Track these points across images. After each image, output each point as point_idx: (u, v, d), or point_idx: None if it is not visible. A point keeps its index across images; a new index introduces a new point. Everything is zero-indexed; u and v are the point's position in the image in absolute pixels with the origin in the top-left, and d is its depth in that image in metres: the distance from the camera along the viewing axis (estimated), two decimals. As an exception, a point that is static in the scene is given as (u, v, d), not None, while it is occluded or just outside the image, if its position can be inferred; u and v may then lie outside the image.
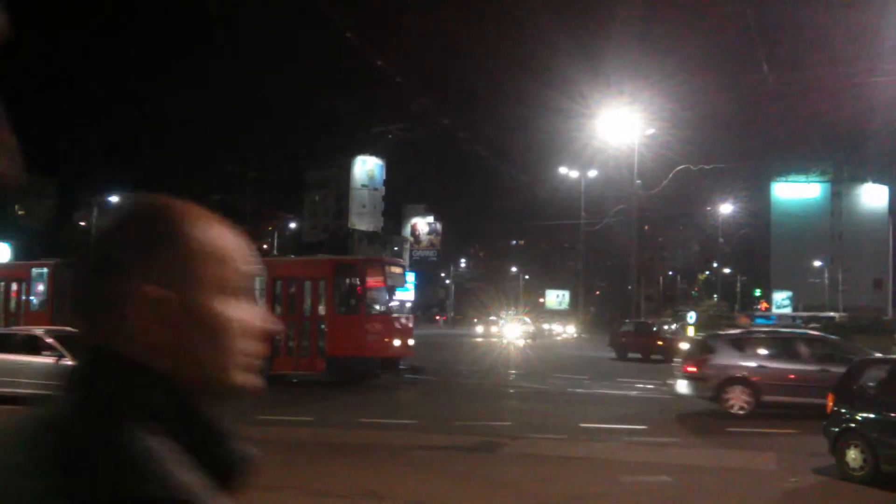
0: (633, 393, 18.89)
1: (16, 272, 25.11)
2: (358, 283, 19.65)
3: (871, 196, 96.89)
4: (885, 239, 76.55)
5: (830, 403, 9.99)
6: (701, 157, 34.29)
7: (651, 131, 30.73)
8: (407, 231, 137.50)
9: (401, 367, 20.28)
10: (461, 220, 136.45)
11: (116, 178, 63.64)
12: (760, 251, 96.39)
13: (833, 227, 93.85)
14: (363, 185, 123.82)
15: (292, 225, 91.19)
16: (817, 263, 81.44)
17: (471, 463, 10.74)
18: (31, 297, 23.52)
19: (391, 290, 20.13)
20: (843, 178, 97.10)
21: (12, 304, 23.91)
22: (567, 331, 60.02)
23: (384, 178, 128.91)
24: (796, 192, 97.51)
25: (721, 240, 52.95)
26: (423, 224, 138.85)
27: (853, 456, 9.26)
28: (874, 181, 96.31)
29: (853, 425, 9.43)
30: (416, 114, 51.41)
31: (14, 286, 24.02)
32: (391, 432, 13.01)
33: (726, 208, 60.23)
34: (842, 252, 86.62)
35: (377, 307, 19.69)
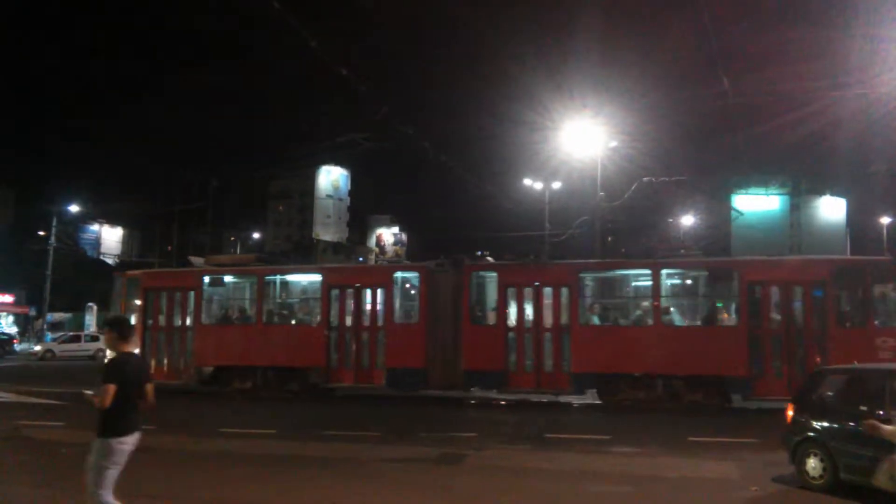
0: (598, 402, 18.91)
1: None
2: None
3: (828, 208, 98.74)
4: (843, 250, 77.87)
5: (790, 413, 10.09)
6: (663, 170, 34.52)
7: (614, 144, 30.96)
8: (372, 242, 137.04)
9: None
10: (426, 231, 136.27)
11: (76, 189, 62.71)
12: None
13: (792, 239, 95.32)
14: (328, 196, 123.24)
15: (256, 235, 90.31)
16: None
17: (435, 475, 10.67)
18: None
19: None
20: (801, 191, 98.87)
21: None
22: None
23: (349, 188, 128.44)
24: (756, 204, 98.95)
25: (682, 251, 53.32)
26: (388, 234, 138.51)
27: (813, 465, 9.35)
28: (832, 194, 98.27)
29: (813, 434, 9.52)
30: (380, 124, 51.33)
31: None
32: (354, 445, 12.89)
33: (688, 220, 60.93)
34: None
35: None
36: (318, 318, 20.11)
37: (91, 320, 58.41)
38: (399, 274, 20.45)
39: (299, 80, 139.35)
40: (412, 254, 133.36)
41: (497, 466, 11.26)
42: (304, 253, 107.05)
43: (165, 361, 21.10)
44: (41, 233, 52.55)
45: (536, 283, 18.64)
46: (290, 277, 21.84)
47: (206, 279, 21.28)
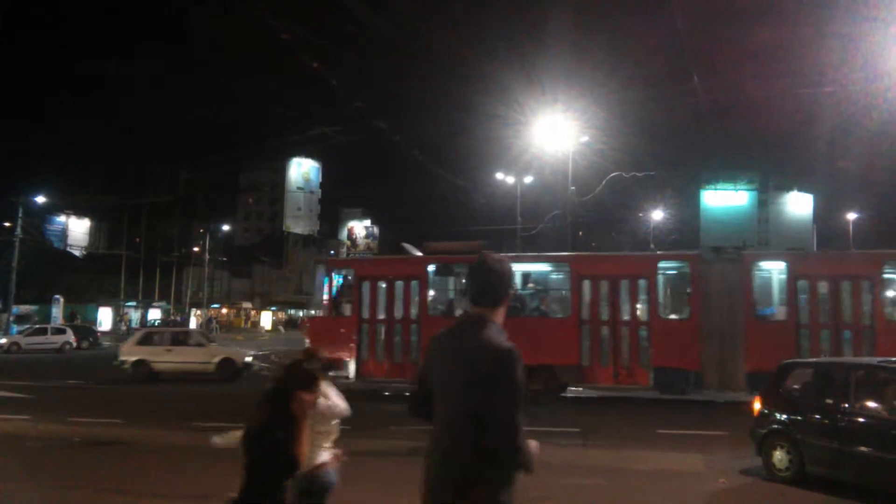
0: (569, 395, 19.01)
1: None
2: None
3: (796, 204, 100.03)
4: (809, 246, 79.00)
5: (757, 406, 10.21)
6: (633, 165, 34.88)
7: (585, 139, 31.12)
8: (344, 234, 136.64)
9: None
10: (398, 225, 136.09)
11: (42, 180, 61.81)
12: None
13: (760, 234, 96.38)
14: (299, 188, 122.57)
15: (225, 227, 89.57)
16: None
17: (403, 469, 10.64)
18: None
19: None
20: (769, 187, 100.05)
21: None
22: None
23: (320, 180, 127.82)
24: (725, 199, 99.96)
25: (652, 245, 53.73)
26: (359, 228, 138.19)
27: (779, 457, 9.48)
28: (799, 190, 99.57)
29: (779, 427, 9.65)
30: (352, 117, 51.23)
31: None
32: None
33: (657, 215, 61.37)
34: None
35: None
36: (569, 311, 18.49)
37: (58, 312, 57.64)
38: (664, 264, 18.96)
39: (271, 72, 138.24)
40: (384, 246, 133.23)
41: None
42: (275, 246, 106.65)
43: (385, 357, 19.62)
44: (6, 224, 51.68)
45: (833, 276, 17.13)
46: (534, 266, 20.05)
47: (432, 268, 19.75)
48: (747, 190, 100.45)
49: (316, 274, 21.92)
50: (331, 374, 5.23)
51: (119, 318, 69.71)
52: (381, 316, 19.65)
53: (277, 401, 4.13)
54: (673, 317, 18.38)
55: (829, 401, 9.08)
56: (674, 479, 9.94)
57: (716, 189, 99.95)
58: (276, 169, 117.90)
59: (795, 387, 10.22)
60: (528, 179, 41.03)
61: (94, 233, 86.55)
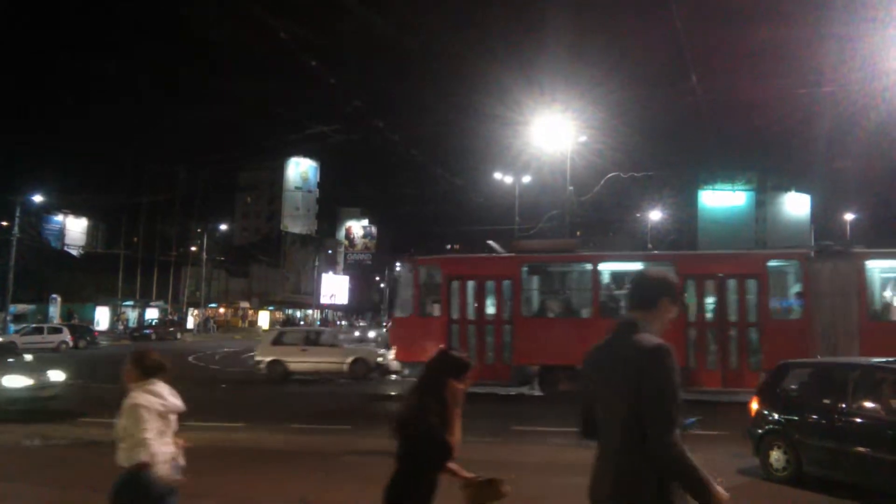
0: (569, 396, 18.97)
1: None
2: None
3: (793, 204, 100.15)
4: (807, 246, 79.10)
5: (754, 406, 10.21)
6: (631, 165, 34.91)
7: (583, 139, 31.13)
8: (341, 234, 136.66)
9: None
10: (396, 224, 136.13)
11: (40, 179, 61.70)
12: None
13: (757, 235, 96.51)
14: (297, 188, 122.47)
15: (223, 227, 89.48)
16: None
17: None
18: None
19: None
20: (767, 187, 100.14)
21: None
22: None
23: (318, 180, 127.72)
24: (722, 199, 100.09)
25: (650, 245, 53.75)
26: (357, 227, 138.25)
27: (777, 457, 9.48)
28: (797, 190, 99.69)
29: (777, 427, 9.64)
30: (350, 116, 51.13)
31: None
32: (322, 437, 12.85)
33: (655, 215, 61.39)
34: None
35: None
36: None
37: (55, 311, 57.58)
38: (774, 263, 18.40)
39: (270, 71, 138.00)
40: (382, 246, 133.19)
41: (466, 459, 11.24)
42: (273, 245, 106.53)
43: (476, 359, 18.83)
44: (4, 223, 51.60)
45: None
46: (631, 265, 19.42)
47: (526, 267, 19.34)
48: (745, 190, 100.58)
49: (400, 272, 21.51)
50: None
51: (116, 317, 69.67)
52: (472, 316, 19.25)
53: (431, 388, 4.12)
54: (784, 317, 17.79)
55: (827, 401, 9.08)
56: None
57: (713, 189, 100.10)
58: (274, 168, 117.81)
59: (793, 387, 10.23)
60: (526, 179, 41.07)
61: (91, 232, 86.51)
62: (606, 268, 19.04)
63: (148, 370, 4.98)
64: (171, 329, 59.44)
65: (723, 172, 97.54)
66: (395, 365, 21.10)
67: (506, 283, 19.07)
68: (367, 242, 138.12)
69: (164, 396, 4.92)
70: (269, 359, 23.52)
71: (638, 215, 63.33)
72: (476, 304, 19.38)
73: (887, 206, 59.32)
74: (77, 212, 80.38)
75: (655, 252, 21.83)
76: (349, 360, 23.51)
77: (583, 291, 19.16)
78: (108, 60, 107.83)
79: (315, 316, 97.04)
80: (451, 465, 4.18)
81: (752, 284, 17.53)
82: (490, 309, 19.30)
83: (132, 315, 71.38)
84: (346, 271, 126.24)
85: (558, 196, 33.60)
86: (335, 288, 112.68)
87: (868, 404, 8.74)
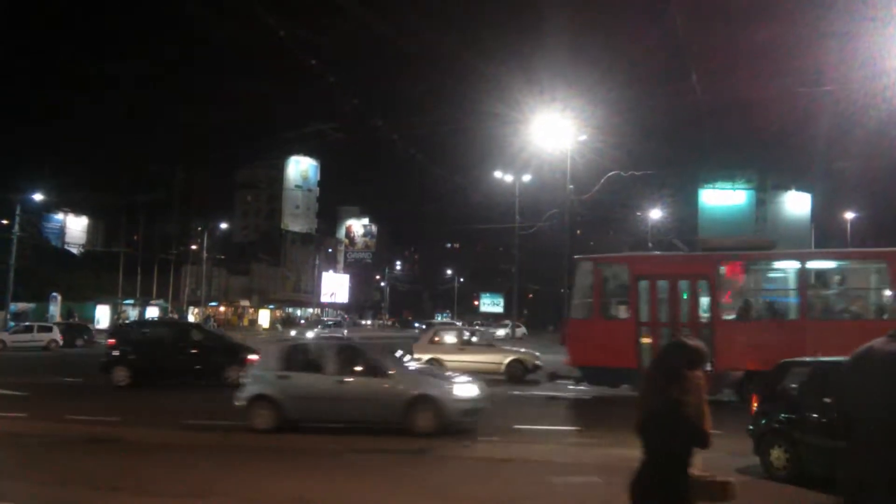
0: (569, 395, 18.98)
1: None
2: None
3: (794, 203, 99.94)
4: (807, 245, 79.00)
5: (755, 404, 10.21)
6: (631, 164, 34.80)
7: (583, 137, 31.11)
8: (342, 233, 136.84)
9: None
10: (396, 223, 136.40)
11: (40, 177, 61.66)
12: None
13: (758, 233, 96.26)
14: (297, 186, 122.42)
15: (223, 225, 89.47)
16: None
17: (402, 466, 10.65)
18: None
19: None
20: (767, 186, 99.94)
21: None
22: (517, 332, 59.30)
23: (318, 179, 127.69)
24: (722, 198, 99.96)
25: (650, 244, 53.70)
26: (357, 226, 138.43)
27: (777, 455, 9.47)
28: (797, 189, 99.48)
29: (777, 425, 9.64)
30: (350, 115, 51.21)
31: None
32: (321, 437, 12.83)
33: (655, 214, 61.38)
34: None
35: None
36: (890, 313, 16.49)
37: (55, 310, 57.57)
38: None
39: (269, 70, 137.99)
40: (382, 245, 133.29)
41: (465, 458, 11.28)
42: (273, 244, 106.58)
43: None
44: (4, 222, 51.58)
45: None
46: (839, 264, 18.44)
47: (723, 267, 18.11)
48: (745, 189, 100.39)
49: (577, 272, 20.09)
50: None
51: (117, 315, 69.66)
52: (664, 318, 17.88)
53: (673, 379, 4.04)
54: None
55: (827, 399, 9.07)
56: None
57: (714, 188, 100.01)
58: (275, 167, 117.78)
59: (793, 385, 10.22)
60: (526, 178, 41.09)
61: (91, 230, 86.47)
62: (814, 266, 17.92)
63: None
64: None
65: (723, 171, 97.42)
66: (564, 369, 19.99)
67: (701, 282, 17.77)
68: (368, 241, 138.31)
69: None
70: (427, 357, 22.93)
71: (638, 214, 63.36)
72: (669, 306, 17.94)
73: (888, 205, 59.27)
74: (77, 210, 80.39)
75: (865, 249, 20.70)
76: (507, 360, 23.24)
77: (788, 292, 17.94)
78: (108, 59, 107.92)
79: (317, 314, 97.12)
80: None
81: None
82: (684, 311, 17.87)
83: (133, 313, 71.36)
84: (346, 270, 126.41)
85: (558, 194, 33.63)
86: (335, 286, 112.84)
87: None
